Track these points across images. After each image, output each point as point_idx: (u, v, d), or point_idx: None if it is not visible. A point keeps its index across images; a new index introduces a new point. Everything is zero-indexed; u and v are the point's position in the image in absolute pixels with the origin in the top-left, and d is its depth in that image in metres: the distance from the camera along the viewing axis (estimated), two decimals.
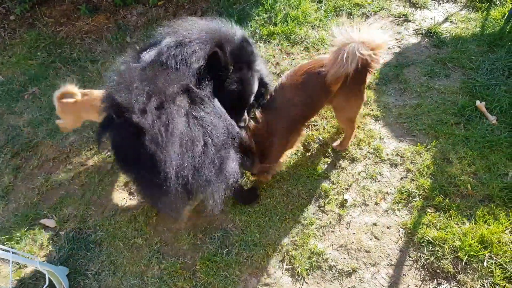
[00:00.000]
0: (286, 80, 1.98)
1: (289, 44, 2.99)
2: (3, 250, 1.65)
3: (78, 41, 3.16)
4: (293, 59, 2.89)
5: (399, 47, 2.92)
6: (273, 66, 2.86)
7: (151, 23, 3.22)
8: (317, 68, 1.93)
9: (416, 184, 2.19)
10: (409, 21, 3.09)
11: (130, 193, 2.33)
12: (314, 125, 2.52)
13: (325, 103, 2.10)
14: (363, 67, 1.85)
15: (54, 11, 3.34)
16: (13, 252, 1.66)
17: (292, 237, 2.05)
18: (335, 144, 2.40)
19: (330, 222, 2.10)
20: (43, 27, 3.27)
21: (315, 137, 2.46)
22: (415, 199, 2.14)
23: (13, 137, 2.64)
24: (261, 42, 3.01)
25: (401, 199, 2.15)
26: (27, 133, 2.66)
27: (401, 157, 2.32)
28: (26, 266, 2.05)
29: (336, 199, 2.18)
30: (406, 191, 2.16)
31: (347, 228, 2.08)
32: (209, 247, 2.05)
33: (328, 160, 2.35)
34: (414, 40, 2.96)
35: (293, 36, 3.01)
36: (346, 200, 2.17)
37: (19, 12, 3.29)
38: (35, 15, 3.28)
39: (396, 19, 3.08)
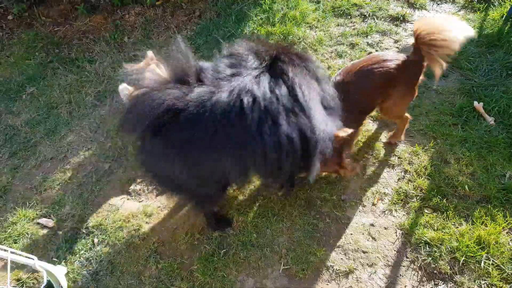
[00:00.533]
0: (342, 77, 1.92)
1: (287, 44, 2.98)
2: (1, 250, 1.65)
3: (76, 41, 3.16)
4: None
5: (397, 47, 2.93)
6: None
7: (149, 23, 3.22)
8: (371, 65, 1.87)
9: (413, 185, 2.19)
10: (407, 21, 3.09)
11: (128, 193, 2.33)
12: None
13: (377, 103, 2.01)
14: (420, 61, 1.83)
15: (52, 11, 3.34)
16: (11, 252, 1.66)
17: (289, 238, 2.05)
18: (388, 137, 2.33)
19: (328, 223, 2.10)
20: (40, 27, 3.26)
21: None
22: (413, 200, 2.14)
23: (11, 137, 2.64)
24: None
25: (398, 200, 2.15)
26: (25, 133, 2.66)
27: (399, 158, 2.33)
28: (24, 266, 2.05)
29: (334, 199, 2.18)
30: (403, 192, 2.17)
31: (344, 229, 2.08)
32: (206, 247, 2.05)
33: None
34: (412, 40, 2.95)
35: (291, 36, 3.01)
36: (343, 200, 2.17)
37: (17, 12, 3.28)
38: (32, 15, 3.27)
39: (394, 20, 3.09)
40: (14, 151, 2.56)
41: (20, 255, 1.75)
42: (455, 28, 1.73)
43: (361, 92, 1.90)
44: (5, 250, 1.66)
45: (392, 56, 1.93)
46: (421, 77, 2.00)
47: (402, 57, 1.93)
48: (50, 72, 3.03)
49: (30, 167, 2.49)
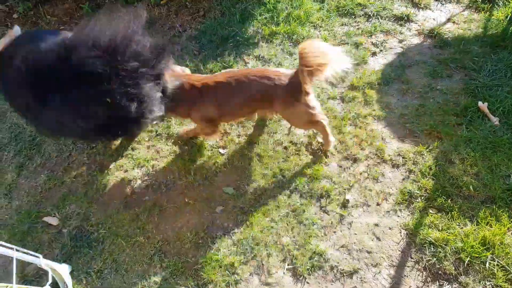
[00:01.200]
0: (227, 74, 2.11)
1: (291, 44, 2.98)
2: (7, 248, 1.66)
3: None
4: (295, 59, 2.88)
5: (401, 47, 2.92)
6: (275, 66, 2.86)
7: (154, 22, 3.22)
8: (256, 76, 2.04)
9: (418, 185, 2.19)
10: (412, 21, 3.08)
11: (133, 192, 2.33)
12: None
13: (251, 111, 2.25)
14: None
15: (57, 10, 3.34)
16: (16, 250, 1.67)
17: (294, 237, 2.05)
18: (324, 148, 2.37)
19: (332, 223, 2.10)
20: (46, 26, 3.26)
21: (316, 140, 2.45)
22: (417, 200, 2.14)
23: (16, 135, 2.65)
24: (263, 42, 3.01)
25: (403, 200, 2.15)
26: (30, 131, 2.67)
27: (403, 157, 2.33)
28: (29, 264, 2.06)
29: (338, 199, 2.18)
30: (408, 192, 2.17)
31: (349, 229, 2.08)
32: (210, 246, 2.05)
33: (330, 160, 2.35)
34: (416, 40, 2.96)
35: (296, 36, 3.01)
36: (347, 200, 2.17)
37: (22, 10, 3.29)
38: (38, 14, 3.28)
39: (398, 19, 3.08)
40: (20, 149, 2.57)
41: (26, 253, 1.76)
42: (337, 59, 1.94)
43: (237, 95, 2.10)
44: (10, 248, 1.67)
45: (275, 73, 2.06)
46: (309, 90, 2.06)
47: (285, 75, 2.05)
48: None
49: (35, 165, 2.49)
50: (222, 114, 2.19)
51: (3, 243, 1.61)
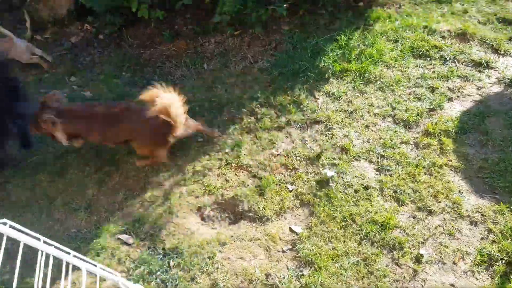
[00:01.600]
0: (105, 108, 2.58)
1: (363, 82, 2.99)
2: (91, 264, 1.78)
3: (159, 64, 3.38)
4: (367, 98, 2.88)
5: (480, 95, 2.82)
6: (345, 103, 2.88)
7: (228, 52, 3.38)
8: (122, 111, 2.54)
9: (498, 247, 2.08)
10: (491, 68, 2.98)
11: (203, 219, 2.42)
12: (388, 170, 2.48)
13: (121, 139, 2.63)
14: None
15: (139, 34, 3.61)
16: (100, 268, 1.78)
17: None
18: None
19: (404, 277, 2.04)
20: (128, 48, 3.54)
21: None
22: (498, 263, 2.03)
23: (98, 152, 2.86)
24: (334, 78, 3.04)
25: (481, 261, 2.05)
26: (110, 148, 2.87)
27: (482, 215, 2.22)
28: (104, 280, 2.18)
29: (411, 252, 2.12)
30: (487, 253, 2.06)
31: (423, 286, 2.01)
32: (278, 286, 2.07)
33: (403, 209, 2.30)
34: (496, 88, 2.85)
35: (367, 74, 3.01)
36: (422, 255, 2.10)
37: (108, 32, 3.60)
38: (121, 36, 3.57)
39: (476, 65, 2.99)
40: (100, 166, 2.76)
41: (107, 270, 1.87)
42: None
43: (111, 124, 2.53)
44: (94, 265, 1.78)
45: (138, 111, 2.49)
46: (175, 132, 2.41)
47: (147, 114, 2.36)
48: (137, 92, 3.24)
49: (114, 182, 2.67)
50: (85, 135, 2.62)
51: (88, 259, 1.73)
